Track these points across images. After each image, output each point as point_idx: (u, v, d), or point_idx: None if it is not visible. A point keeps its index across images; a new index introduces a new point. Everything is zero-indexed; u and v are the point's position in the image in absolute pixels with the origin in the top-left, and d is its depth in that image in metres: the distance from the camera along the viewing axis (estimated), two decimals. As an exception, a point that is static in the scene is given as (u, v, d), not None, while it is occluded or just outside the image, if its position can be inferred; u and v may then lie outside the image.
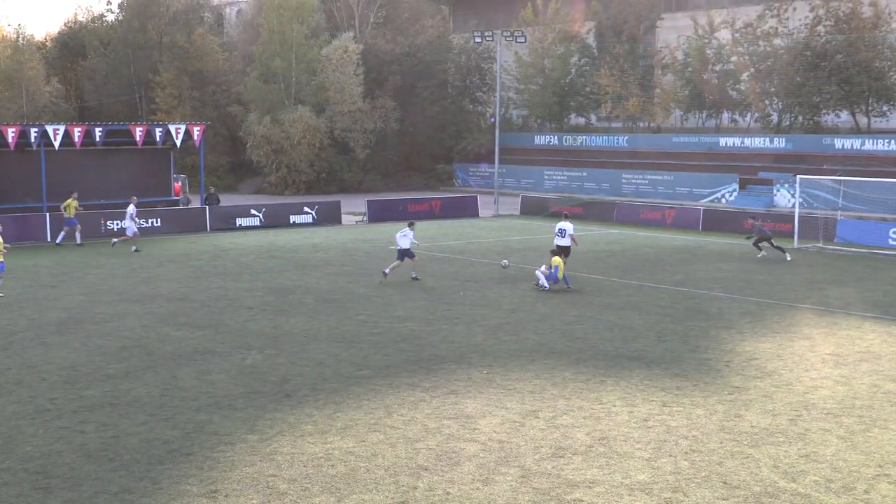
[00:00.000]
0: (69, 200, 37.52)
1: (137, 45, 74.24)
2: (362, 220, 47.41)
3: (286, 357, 18.85)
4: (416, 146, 73.53)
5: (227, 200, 51.41)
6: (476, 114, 76.44)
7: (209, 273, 30.04)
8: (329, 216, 46.39)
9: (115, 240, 36.80)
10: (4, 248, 26.97)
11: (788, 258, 33.86)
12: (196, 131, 44.85)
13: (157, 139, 43.89)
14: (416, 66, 71.76)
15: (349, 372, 17.71)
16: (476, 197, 53.10)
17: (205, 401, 15.86)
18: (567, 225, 28.61)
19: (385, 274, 28.22)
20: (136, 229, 36.30)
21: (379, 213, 47.90)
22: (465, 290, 26.73)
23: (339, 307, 24.08)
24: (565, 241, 28.36)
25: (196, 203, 48.83)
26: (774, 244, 34.31)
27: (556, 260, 26.98)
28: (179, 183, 48.78)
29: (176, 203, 46.10)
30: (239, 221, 43.89)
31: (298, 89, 67.49)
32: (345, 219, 47.27)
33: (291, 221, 45.17)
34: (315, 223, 45.49)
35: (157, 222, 41.61)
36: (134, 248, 35.60)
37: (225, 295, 25.91)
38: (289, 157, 66.41)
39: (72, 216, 37.42)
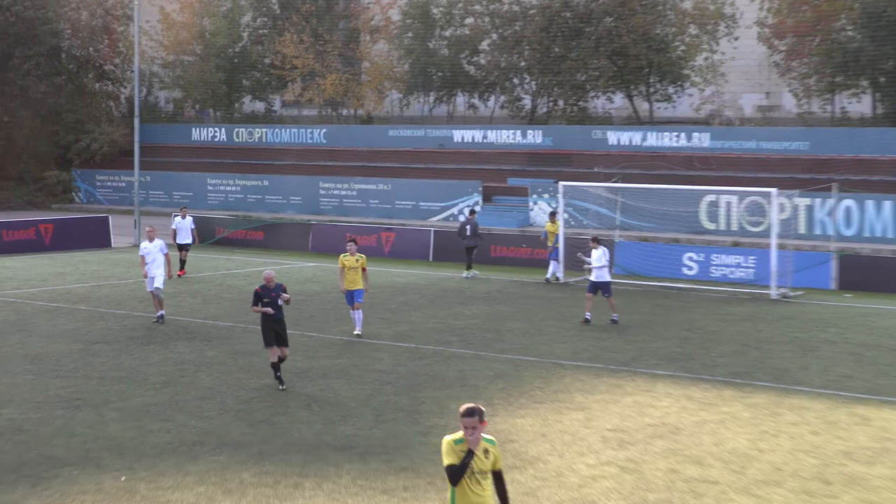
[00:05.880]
0: None
1: None
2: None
3: None
4: (14, 144, 71.47)
5: None
6: (105, 96, 75.05)
7: None
8: None
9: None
10: None
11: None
12: None
13: None
14: (13, 25, 69.57)
15: (-90, 490, 16.70)
16: (108, 218, 52.18)
17: None
18: None
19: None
20: None
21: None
22: (94, 355, 25.86)
23: None
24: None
25: None
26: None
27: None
28: None
29: None
30: None
31: None
32: None
33: None
34: None
35: None
36: None
37: None
38: None
39: None
